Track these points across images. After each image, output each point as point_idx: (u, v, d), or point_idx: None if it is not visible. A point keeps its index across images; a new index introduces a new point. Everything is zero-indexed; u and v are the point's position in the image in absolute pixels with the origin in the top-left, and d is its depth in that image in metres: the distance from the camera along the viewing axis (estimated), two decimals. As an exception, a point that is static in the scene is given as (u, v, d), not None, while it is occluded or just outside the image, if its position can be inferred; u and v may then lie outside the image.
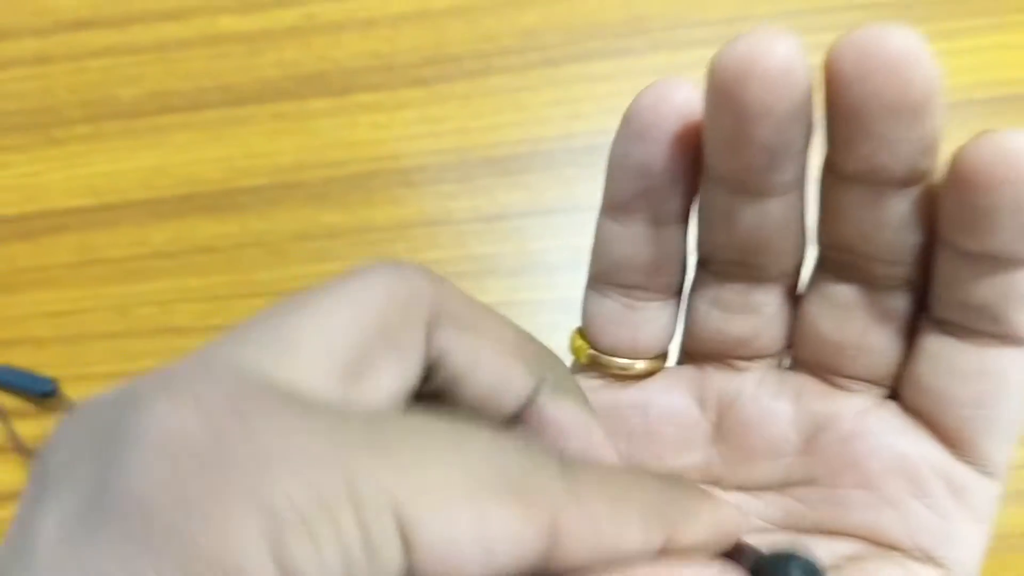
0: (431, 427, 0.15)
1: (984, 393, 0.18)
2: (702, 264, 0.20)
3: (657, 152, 0.18)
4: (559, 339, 0.21)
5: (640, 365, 0.21)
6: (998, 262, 0.17)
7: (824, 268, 0.19)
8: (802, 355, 0.20)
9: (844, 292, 0.19)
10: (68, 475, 0.14)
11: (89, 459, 0.14)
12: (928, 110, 0.16)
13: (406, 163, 0.44)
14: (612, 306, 0.20)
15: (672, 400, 0.21)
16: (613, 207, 0.20)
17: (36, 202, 0.44)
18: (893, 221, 0.17)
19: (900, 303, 0.19)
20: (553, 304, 0.42)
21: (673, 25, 0.45)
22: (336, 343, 0.15)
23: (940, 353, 0.18)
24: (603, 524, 0.15)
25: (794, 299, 0.20)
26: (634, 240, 0.20)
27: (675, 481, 0.17)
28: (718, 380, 0.21)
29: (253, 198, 0.44)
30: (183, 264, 0.43)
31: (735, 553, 0.17)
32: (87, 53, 0.46)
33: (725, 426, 0.21)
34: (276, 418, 0.14)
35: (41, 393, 0.40)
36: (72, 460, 0.14)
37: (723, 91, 0.16)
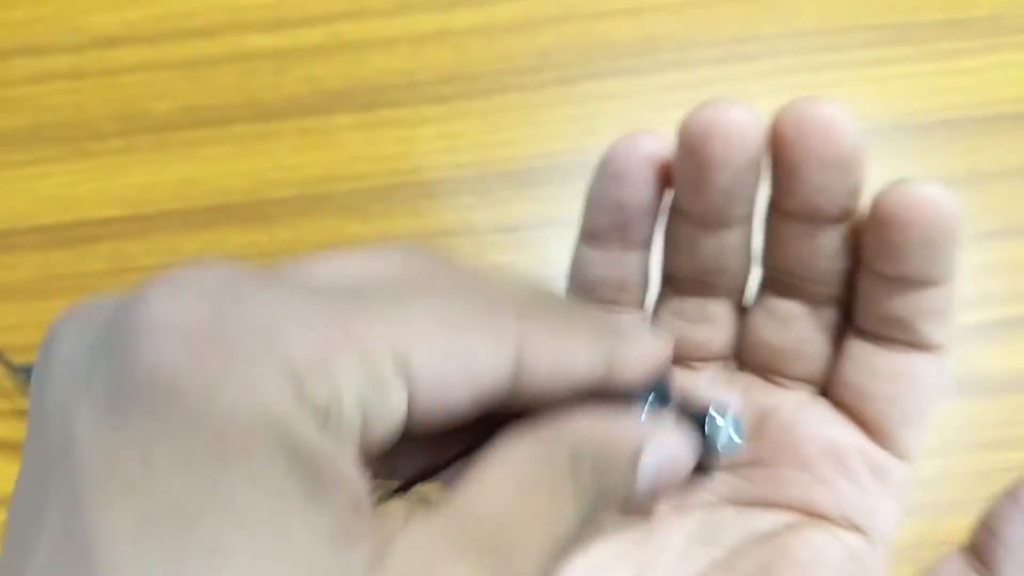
0: (409, 285, 0.18)
1: (899, 391, 0.22)
2: (666, 281, 0.24)
3: (630, 191, 0.23)
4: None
5: None
6: (909, 283, 0.21)
7: (768, 286, 0.23)
8: (748, 358, 0.24)
9: (784, 306, 0.23)
10: (85, 371, 0.15)
11: (103, 353, 0.15)
12: (853, 164, 0.20)
13: (427, 176, 0.46)
14: None
15: None
16: (590, 235, 0.24)
17: (71, 212, 0.46)
18: (825, 250, 0.22)
19: (830, 316, 0.23)
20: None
21: (682, 46, 0.47)
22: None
23: (862, 357, 0.22)
24: (557, 347, 0.18)
25: (742, 311, 0.24)
26: (607, 263, 0.24)
27: (614, 315, 0.22)
28: (678, 377, 0.24)
29: (281, 209, 0.46)
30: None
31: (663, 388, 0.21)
32: (120, 69, 0.48)
33: None
34: (274, 291, 0.16)
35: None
36: (83, 355, 0.15)
37: (691, 146, 0.21)
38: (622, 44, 0.47)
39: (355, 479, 0.16)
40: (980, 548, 0.20)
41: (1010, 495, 0.20)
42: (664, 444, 0.20)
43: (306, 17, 0.48)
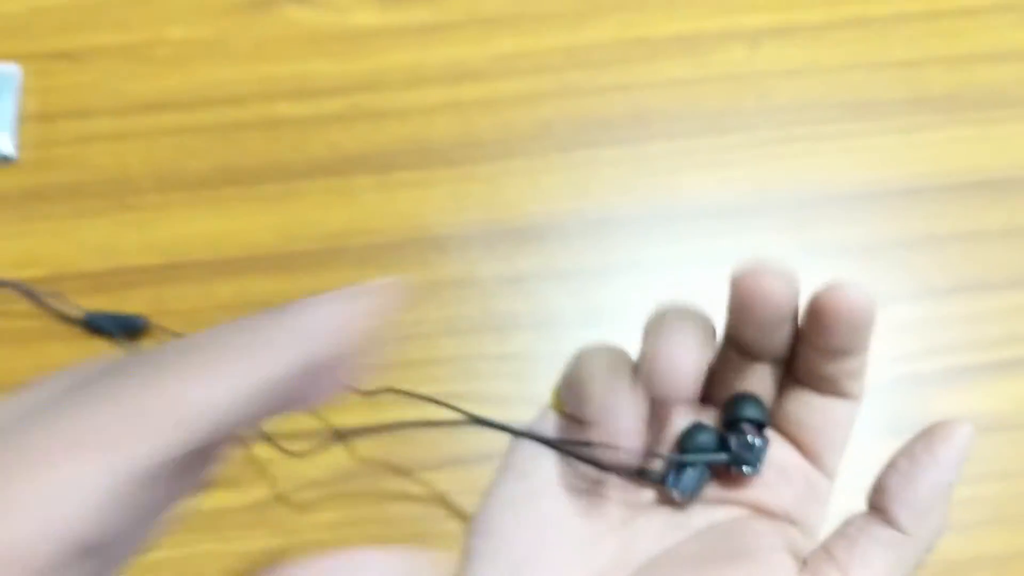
0: None
1: (827, 425, 0.29)
2: None
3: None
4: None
5: None
6: (835, 353, 0.27)
7: (729, 344, 0.29)
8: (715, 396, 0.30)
9: (744, 362, 0.29)
10: None
11: None
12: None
13: (438, 232, 0.51)
14: None
15: None
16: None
17: (113, 260, 0.50)
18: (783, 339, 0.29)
19: (779, 369, 0.29)
20: (567, 355, 0.48)
21: (669, 119, 0.52)
22: None
23: (802, 399, 0.29)
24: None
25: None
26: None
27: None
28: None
29: (305, 261, 0.50)
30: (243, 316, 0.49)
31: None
32: (159, 132, 0.52)
33: None
34: None
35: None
36: None
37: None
38: (615, 117, 0.52)
39: None
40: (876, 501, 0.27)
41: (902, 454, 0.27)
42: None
43: (328, 88, 0.53)
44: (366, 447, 0.46)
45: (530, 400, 0.45)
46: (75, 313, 0.48)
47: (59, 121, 0.53)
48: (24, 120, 0.53)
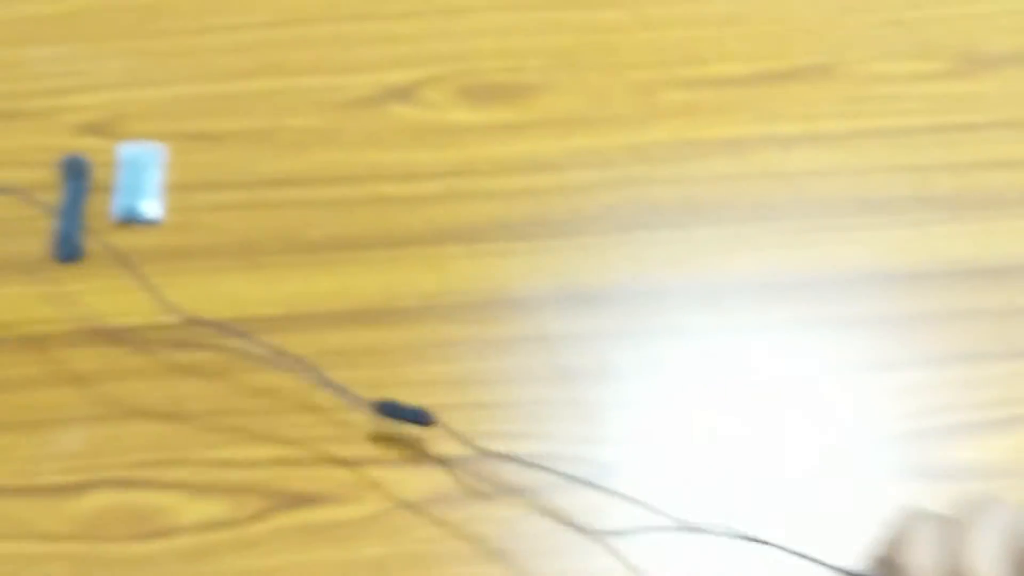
0: None
1: None
2: None
3: None
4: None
5: None
6: None
7: None
8: None
9: None
10: None
11: None
12: None
13: (516, 294, 0.60)
14: None
15: None
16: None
17: (242, 309, 0.59)
18: None
19: None
20: (622, 403, 0.57)
21: (716, 207, 0.62)
22: None
23: None
24: None
25: None
26: None
27: None
28: None
29: (403, 316, 0.59)
30: (352, 360, 0.58)
31: None
32: (283, 204, 0.62)
33: None
34: None
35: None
36: None
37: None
38: (669, 204, 0.62)
39: None
40: None
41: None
42: None
43: (426, 173, 0.63)
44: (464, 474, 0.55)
45: (589, 439, 0.54)
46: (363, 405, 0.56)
47: (197, 191, 0.63)
48: (168, 189, 0.63)
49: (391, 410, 0.54)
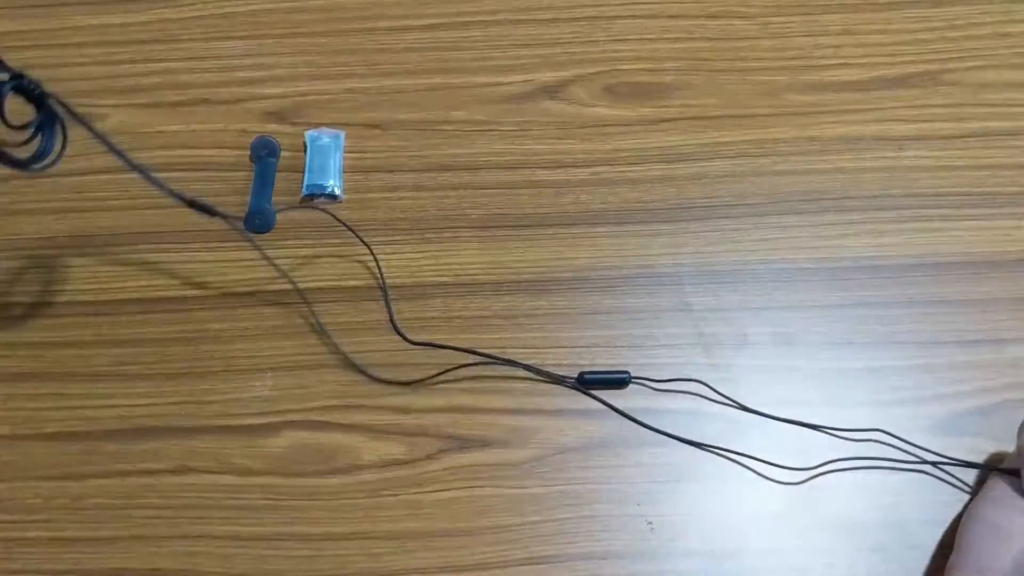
0: None
1: None
2: None
3: None
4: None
5: None
6: None
7: None
8: None
9: None
10: None
11: None
12: None
13: (658, 271, 0.67)
14: None
15: None
16: None
17: (415, 277, 0.67)
18: None
19: None
20: (761, 368, 0.64)
21: (838, 198, 0.69)
22: None
23: None
24: None
25: None
26: None
27: None
28: None
29: (558, 287, 0.66)
30: (513, 323, 0.66)
31: None
32: (448, 187, 0.70)
33: None
34: None
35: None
36: None
37: None
38: (796, 193, 0.69)
39: None
40: None
41: None
42: None
43: (575, 161, 0.70)
44: (613, 425, 0.62)
45: (727, 400, 0.60)
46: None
47: (372, 174, 0.70)
48: (347, 171, 0.70)
49: (593, 380, 0.62)
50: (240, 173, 0.69)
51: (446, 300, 0.65)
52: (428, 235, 0.67)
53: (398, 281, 0.66)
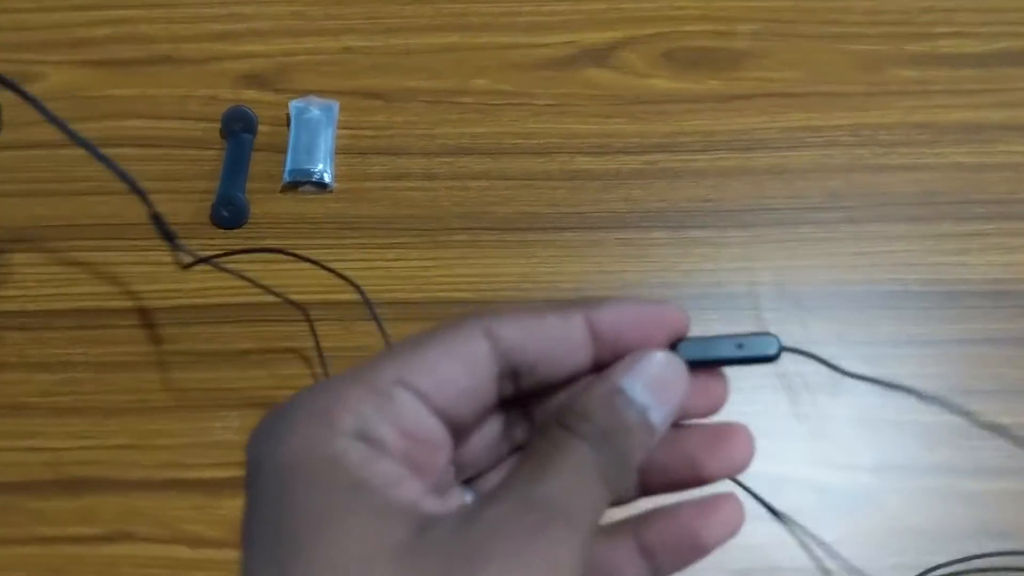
0: (419, 336, 0.25)
1: None
2: None
3: None
4: None
5: None
6: None
7: None
8: None
9: None
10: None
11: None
12: None
13: (729, 290, 0.53)
14: None
15: None
16: None
17: (423, 292, 0.53)
18: None
19: None
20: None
21: (958, 200, 0.54)
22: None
23: None
24: (522, 316, 0.25)
25: None
26: None
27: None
28: None
29: (603, 306, 0.53)
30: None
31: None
32: (466, 175, 0.56)
33: None
34: (334, 380, 0.24)
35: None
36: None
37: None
38: (903, 194, 0.55)
39: (396, 474, 0.23)
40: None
41: None
42: (642, 368, 0.25)
43: (626, 146, 0.56)
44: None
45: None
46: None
47: (371, 157, 0.56)
48: (339, 153, 0.56)
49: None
50: (208, 152, 0.55)
51: (461, 322, 0.51)
52: (440, 238, 0.53)
53: (401, 296, 0.52)
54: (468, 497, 0.27)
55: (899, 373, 0.51)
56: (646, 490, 0.28)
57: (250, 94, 0.57)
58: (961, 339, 0.52)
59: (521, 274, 0.53)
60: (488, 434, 0.28)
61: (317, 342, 0.50)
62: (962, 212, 0.54)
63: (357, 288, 0.50)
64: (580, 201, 0.55)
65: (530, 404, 0.27)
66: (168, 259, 0.53)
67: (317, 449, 0.23)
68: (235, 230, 0.55)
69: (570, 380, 0.26)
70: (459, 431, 0.26)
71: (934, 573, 0.46)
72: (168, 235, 0.43)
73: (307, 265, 0.52)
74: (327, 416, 0.23)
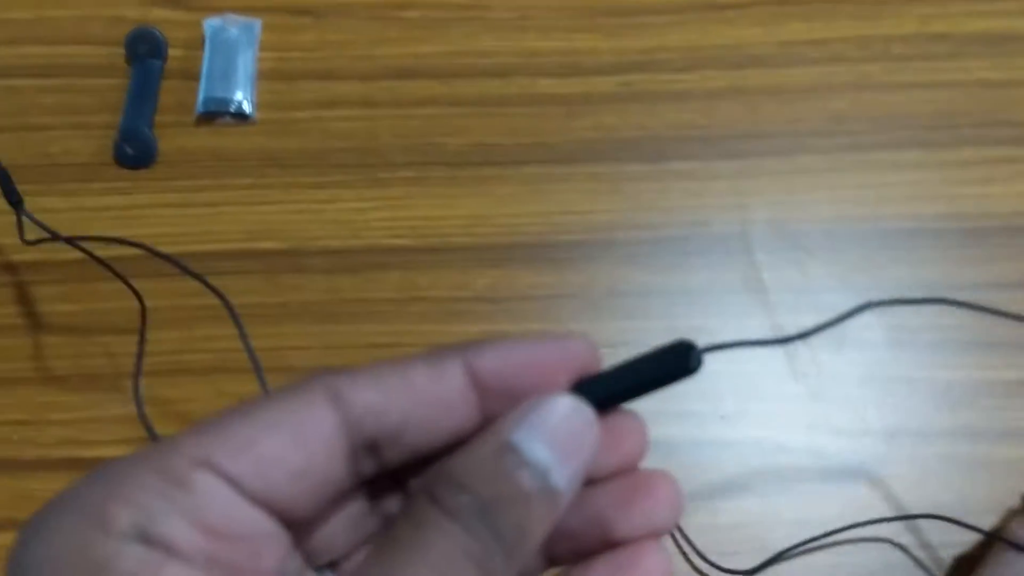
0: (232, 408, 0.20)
1: None
2: None
3: None
4: None
5: None
6: None
7: None
8: None
9: None
10: None
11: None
12: None
13: (718, 230, 0.46)
14: None
15: None
16: None
17: (360, 238, 0.46)
18: None
19: None
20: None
21: (980, 123, 0.47)
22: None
23: None
24: (385, 374, 0.20)
25: None
26: None
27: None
28: None
29: (569, 253, 0.45)
30: (502, 310, 0.44)
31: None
32: (411, 101, 0.48)
33: None
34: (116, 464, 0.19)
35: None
36: None
37: None
38: (917, 116, 0.47)
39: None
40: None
41: None
42: (539, 418, 0.19)
43: (597, 66, 0.48)
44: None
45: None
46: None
47: (299, 82, 0.48)
48: (261, 78, 0.48)
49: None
50: (112, 80, 0.48)
51: (405, 273, 0.44)
52: (380, 175, 0.45)
53: (335, 244, 0.44)
54: None
55: (911, 324, 0.44)
56: (550, 560, 0.22)
57: (159, 13, 0.49)
58: (984, 283, 0.44)
59: (474, 216, 0.46)
60: (352, 511, 0.22)
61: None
62: (985, 136, 0.47)
63: (224, 301, 0.42)
64: (543, 130, 0.47)
65: (404, 469, 0.21)
66: (63, 205, 0.45)
67: (83, 553, 0.17)
68: (142, 170, 0.47)
69: (454, 446, 0.20)
70: (299, 520, 0.20)
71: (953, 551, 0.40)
72: (12, 199, 0.35)
73: (230, 205, 0.44)
74: (99, 511, 0.18)
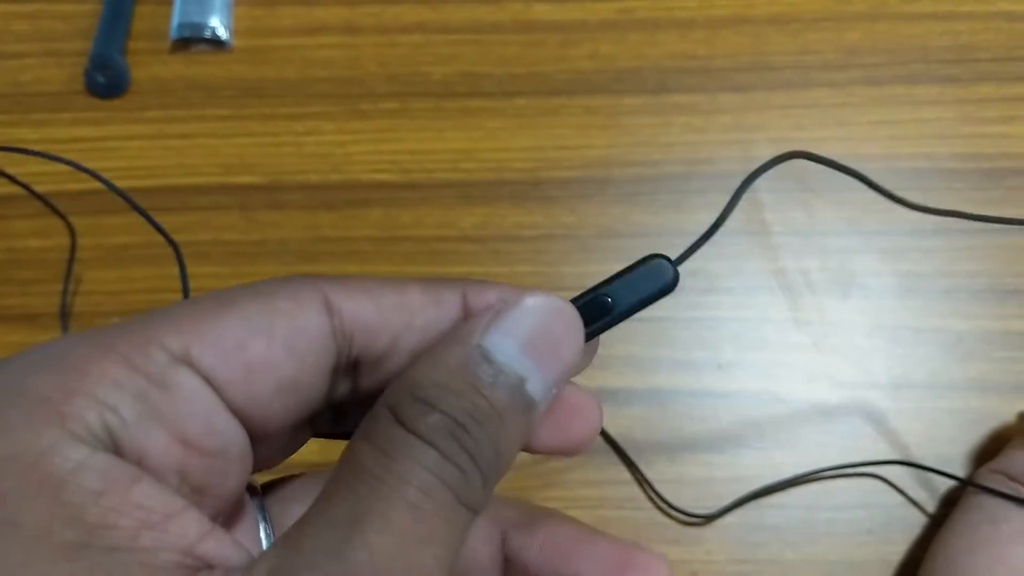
0: (205, 297, 0.17)
1: None
2: None
3: None
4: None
5: None
6: None
7: None
8: None
9: None
10: None
11: None
12: None
13: (721, 168, 0.43)
14: None
15: None
16: None
17: (341, 173, 0.43)
18: None
19: None
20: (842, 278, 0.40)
21: (1001, 57, 0.44)
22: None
23: None
24: (379, 290, 0.18)
25: None
26: None
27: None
28: None
29: (562, 191, 0.43)
30: (489, 250, 0.42)
31: None
32: (396, 28, 0.45)
33: None
34: (52, 345, 0.16)
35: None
36: None
37: None
38: (935, 49, 0.44)
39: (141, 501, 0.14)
40: None
41: None
42: (514, 319, 0.17)
43: (595, -10, 0.45)
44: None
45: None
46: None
47: (279, 7, 0.46)
48: (238, 3, 0.45)
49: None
50: (85, 6, 0.44)
51: (388, 210, 0.42)
52: (363, 106, 0.43)
53: (314, 178, 0.42)
54: (263, 533, 0.18)
55: (923, 270, 0.41)
56: None
57: (132, -70, 0.46)
58: (1003, 227, 0.42)
59: (461, 150, 0.43)
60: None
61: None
62: (1007, 71, 0.44)
63: (170, 242, 0.40)
64: (537, 59, 0.44)
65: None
66: (34, 136, 0.43)
67: (36, 461, 0.14)
68: (114, 100, 0.44)
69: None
70: (267, 436, 0.17)
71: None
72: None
73: (207, 137, 0.42)
74: (55, 407, 0.14)
